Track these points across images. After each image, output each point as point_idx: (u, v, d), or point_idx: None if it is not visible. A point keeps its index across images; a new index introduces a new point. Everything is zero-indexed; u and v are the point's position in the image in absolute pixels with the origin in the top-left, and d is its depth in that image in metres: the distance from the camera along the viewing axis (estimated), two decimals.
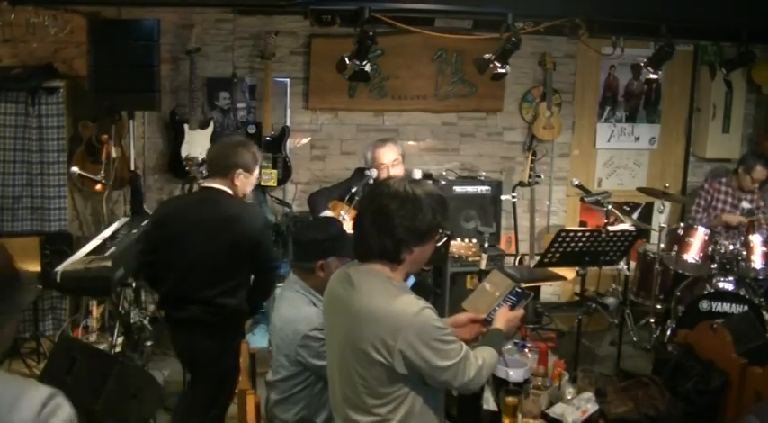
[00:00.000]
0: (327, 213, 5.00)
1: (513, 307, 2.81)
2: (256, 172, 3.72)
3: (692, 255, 5.41)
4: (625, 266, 5.56)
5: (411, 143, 6.09)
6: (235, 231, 3.49)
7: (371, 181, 5.07)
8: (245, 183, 3.65)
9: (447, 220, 2.49)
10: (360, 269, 2.46)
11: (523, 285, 2.99)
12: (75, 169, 5.10)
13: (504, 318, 2.75)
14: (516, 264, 5.84)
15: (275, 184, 5.74)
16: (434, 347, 2.32)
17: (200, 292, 3.49)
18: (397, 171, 5.08)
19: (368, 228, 2.41)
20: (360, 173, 5.24)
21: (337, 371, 2.51)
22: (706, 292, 5.08)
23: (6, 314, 1.80)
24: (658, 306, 5.60)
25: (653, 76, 5.09)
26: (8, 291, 1.87)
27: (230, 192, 3.60)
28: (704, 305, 5.02)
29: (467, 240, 4.65)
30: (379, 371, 2.35)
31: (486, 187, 5.87)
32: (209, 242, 3.46)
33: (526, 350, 3.51)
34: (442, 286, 5.46)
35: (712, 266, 5.25)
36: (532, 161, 5.84)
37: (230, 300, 3.53)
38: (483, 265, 5.19)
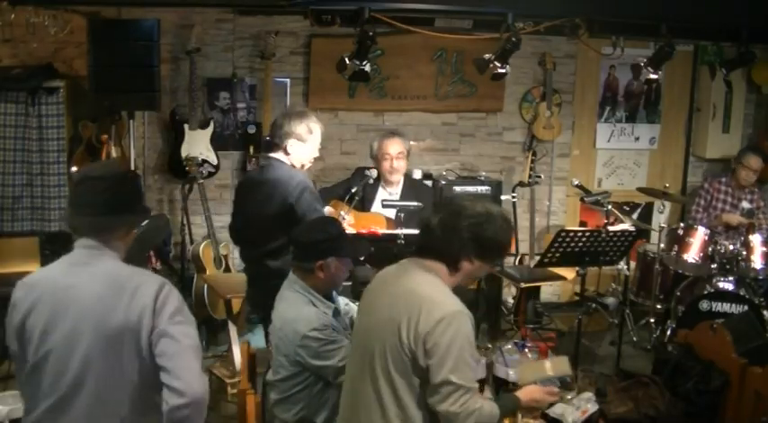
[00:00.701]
0: (329, 209, 5.02)
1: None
2: (312, 142, 3.91)
3: (692, 255, 5.41)
4: (625, 266, 5.56)
5: (411, 143, 6.07)
6: (275, 195, 3.73)
7: (371, 181, 5.10)
8: (298, 152, 3.84)
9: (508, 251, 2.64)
10: (417, 261, 2.52)
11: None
12: (75, 169, 5.10)
13: (531, 391, 2.77)
14: (516, 264, 5.84)
15: None
16: (454, 356, 2.32)
17: (250, 252, 3.92)
18: (401, 164, 5.14)
19: (437, 227, 2.48)
20: (361, 172, 5.25)
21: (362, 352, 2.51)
22: (706, 292, 5.08)
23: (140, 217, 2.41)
24: (658, 306, 5.60)
25: (653, 76, 5.08)
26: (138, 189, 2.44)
27: (283, 160, 3.84)
28: (704, 305, 5.02)
29: None
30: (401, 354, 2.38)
31: (486, 187, 5.87)
32: (257, 205, 3.79)
33: (526, 350, 3.51)
34: None
35: (712, 266, 5.25)
36: (532, 161, 5.83)
37: (273, 262, 3.73)
38: None
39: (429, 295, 2.41)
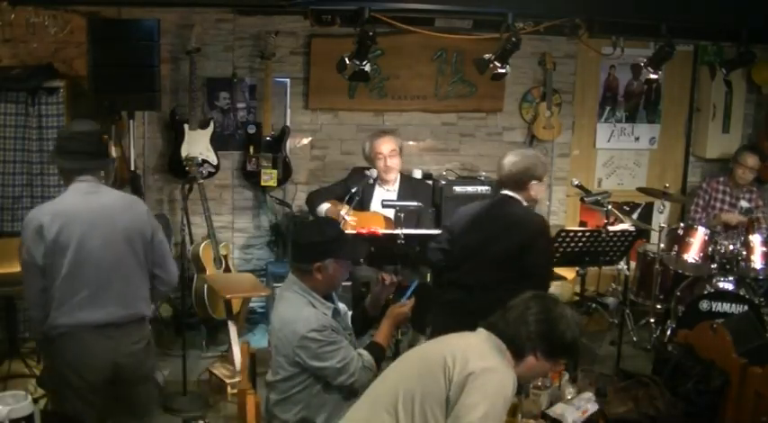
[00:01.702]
0: (326, 206, 5.02)
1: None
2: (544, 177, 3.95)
3: (692, 255, 5.41)
4: (625, 266, 5.55)
5: (411, 143, 6.09)
6: (512, 233, 3.71)
7: (372, 181, 5.10)
8: (538, 190, 3.89)
9: (574, 355, 2.73)
10: (488, 333, 2.52)
11: None
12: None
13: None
14: None
15: (275, 184, 5.74)
16: (489, 405, 2.30)
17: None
18: (394, 162, 5.15)
19: (510, 312, 2.52)
20: (358, 172, 5.26)
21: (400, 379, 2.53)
22: (706, 292, 5.08)
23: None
24: (658, 306, 5.60)
25: (653, 76, 5.09)
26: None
27: (519, 198, 3.82)
28: (704, 305, 5.02)
29: None
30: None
31: (486, 187, 5.87)
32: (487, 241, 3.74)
33: None
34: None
35: (712, 266, 5.25)
36: None
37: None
38: None
39: (488, 350, 2.45)
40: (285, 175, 5.78)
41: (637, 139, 6.58)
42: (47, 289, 3.08)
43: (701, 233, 5.43)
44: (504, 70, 4.78)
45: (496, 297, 3.55)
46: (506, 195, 3.83)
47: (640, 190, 6.02)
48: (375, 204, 5.13)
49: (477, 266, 3.74)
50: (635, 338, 5.57)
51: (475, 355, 2.39)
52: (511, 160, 3.82)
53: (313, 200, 5.25)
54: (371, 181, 5.10)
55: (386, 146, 5.13)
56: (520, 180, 3.79)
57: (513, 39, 4.55)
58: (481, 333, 2.52)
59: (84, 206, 3.11)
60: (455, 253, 3.86)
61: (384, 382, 2.57)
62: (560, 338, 2.48)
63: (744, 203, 5.82)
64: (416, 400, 2.38)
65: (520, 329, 2.46)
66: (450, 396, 2.35)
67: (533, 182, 3.80)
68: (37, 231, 3.03)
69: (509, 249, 3.68)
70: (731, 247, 5.23)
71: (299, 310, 2.99)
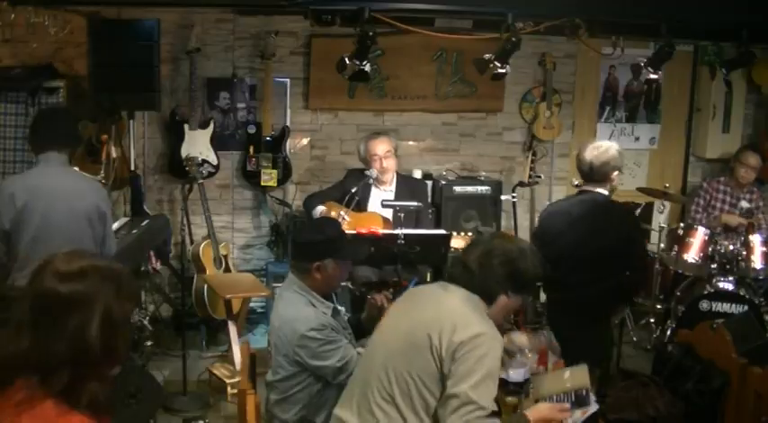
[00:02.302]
0: (321, 208, 5.02)
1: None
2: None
3: (692, 255, 5.40)
4: None
5: (411, 143, 6.09)
6: (611, 229, 3.86)
7: (371, 181, 5.10)
8: (617, 179, 4.03)
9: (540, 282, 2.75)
10: (456, 287, 2.59)
11: None
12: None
13: (541, 410, 2.64)
14: None
15: (275, 184, 5.74)
16: (481, 373, 2.35)
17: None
18: (390, 163, 5.15)
19: (473, 265, 2.57)
20: (355, 174, 5.26)
21: (386, 359, 2.53)
22: (706, 292, 5.08)
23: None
24: (658, 306, 5.59)
25: (653, 76, 5.08)
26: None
27: (605, 191, 3.94)
28: (704, 305, 5.01)
29: (468, 234, 4.67)
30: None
31: (486, 187, 5.87)
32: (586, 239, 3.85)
33: (526, 350, 3.50)
34: None
35: (712, 266, 5.25)
36: (532, 161, 5.84)
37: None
38: None
39: (468, 314, 2.48)
40: (285, 175, 5.78)
41: (637, 139, 6.58)
42: (7, 252, 3.44)
43: (700, 233, 5.42)
44: (504, 70, 4.77)
45: (600, 290, 3.75)
46: (593, 191, 3.96)
47: (640, 190, 6.01)
48: (372, 205, 5.13)
49: (578, 265, 3.85)
50: (635, 338, 5.57)
51: (458, 323, 2.42)
52: (592, 154, 3.94)
53: (309, 203, 5.25)
54: (371, 181, 5.10)
55: (380, 147, 5.13)
56: (604, 173, 3.91)
57: (513, 39, 4.55)
58: (455, 293, 2.56)
59: (50, 181, 3.50)
60: (552, 256, 3.78)
61: (373, 364, 2.57)
62: (526, 274, 2.60)
63: (744, 204, 5.82)
64: (411, 383, 2.42)
65: (488, 277, 2.55)
66: (444, 372, 2.40)
67: (615, 173, 3.95)
68: (9, 198, 3.40)
69: (612, 244, 3.83)
70: (731, 247, 5.23)
71: (298, 310, 2.99)
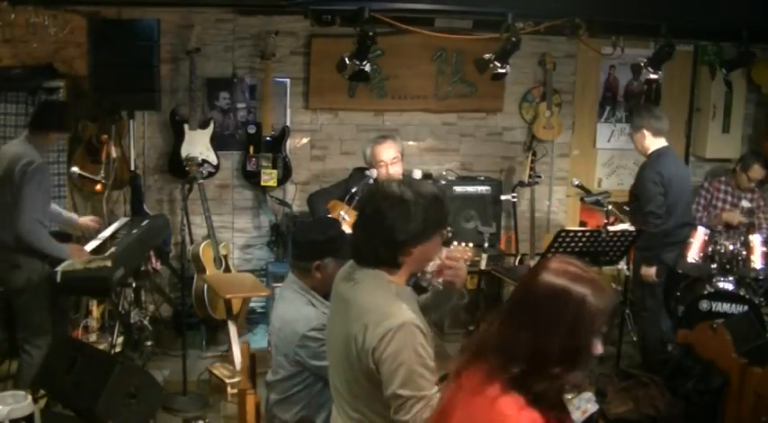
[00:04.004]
0: (325, 208, 5.01)
1: None
2: None
3: (692, 255, 5.40)
4: (625, 266, 5.55)
5: (411, 143, 6.08)
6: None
7: (372, 181, 5.08)
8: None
9: (445, 217, 2.44)
10: (363, 269, 2.43)
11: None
12: (75, 169, 5.09)
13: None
14: (516, 264, 5.84)
15: (275, 184, 5.74)
16: (403, 369, 2.25)
17: None
18: (396, 169, 5.07)
19: (361, 234, 2.40)
20: (359, 172, 5.24)
21: (337, 366, 2.49)
22: (706, 292, 5.08)
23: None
24: None
25: (653, 76, 5.09)
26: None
27: None
28: (704, 305, 5.01)
29: (462, 244, 4.64)
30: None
31: (486, 187, 5.87)
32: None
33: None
34: None
35: (712, 266, 5.25)
36: (532, 161, 5.83)
37: None
38: (483, 265, 5.20)
39: (375, 308, 2.31)
40: (285, 175, 5.78)
41: None
42: None
43: (701, 233, 5.42)
44: (504, 70, 4.77)
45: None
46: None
47: None
48: None
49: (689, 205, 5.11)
50: (635, 338, 5.57)
51: (368, 325, 2.28)
52: (665, 118, 5.04)
53: (313, 201, 5.24)
54: (371, 181, 5.08)
55: (387, 153, 4.96)
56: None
57: (513, 39, 4.55)
58: (361, 284, 2.39)
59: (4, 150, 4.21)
60: (672, 199, 4.86)
61: (335, 372, 2.52)
62: (422, 221, 2.32)
63: (745, 203, 5.81)
64: (364, 387, 2.36)
65: (386, 242, 2.32)
66: (379, 373, 2.30)
67: None
68: None
69: None
70: (731, 247, 5.23)
71: (299, 310, 2.99)
